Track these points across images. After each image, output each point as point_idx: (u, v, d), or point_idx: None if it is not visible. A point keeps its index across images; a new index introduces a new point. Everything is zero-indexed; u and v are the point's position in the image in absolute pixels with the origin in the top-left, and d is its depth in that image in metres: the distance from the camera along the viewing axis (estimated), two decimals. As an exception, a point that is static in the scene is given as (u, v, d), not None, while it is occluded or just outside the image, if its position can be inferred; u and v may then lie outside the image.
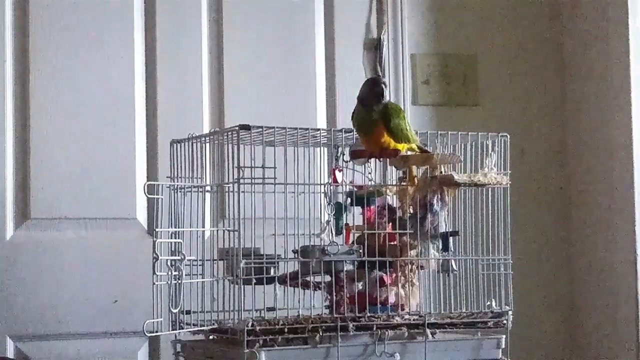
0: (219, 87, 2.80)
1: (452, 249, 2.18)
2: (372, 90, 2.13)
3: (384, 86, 2.13)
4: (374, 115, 2.10)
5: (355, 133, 2.16)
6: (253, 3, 2.84)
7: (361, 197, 2.16)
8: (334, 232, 2.14)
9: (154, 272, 2.00)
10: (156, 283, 2.01)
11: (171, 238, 2.09)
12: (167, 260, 2.01)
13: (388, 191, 2.21)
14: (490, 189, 2.24)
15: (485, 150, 2.24)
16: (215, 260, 2.14)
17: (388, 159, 2.20)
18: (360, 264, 2.12)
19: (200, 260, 2.13)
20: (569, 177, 3.10)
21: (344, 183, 2.17)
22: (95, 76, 2.68)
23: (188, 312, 2.11)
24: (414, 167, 2.18)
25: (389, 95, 2.14)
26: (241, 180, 2.00)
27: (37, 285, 2.59)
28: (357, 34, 2.93)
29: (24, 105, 2.63)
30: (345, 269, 2.10)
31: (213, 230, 2.16)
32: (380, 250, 2.13)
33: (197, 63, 2.78)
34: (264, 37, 2.84)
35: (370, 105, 2.11)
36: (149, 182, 2.13)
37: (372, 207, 2.18)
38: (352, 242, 2.16)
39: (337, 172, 2.17)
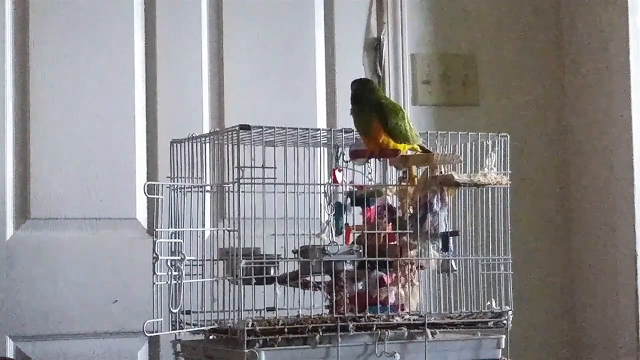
0: (219, 87, 2.80)
1: (452, 249, 2.18)
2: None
3: (352, 86, 2.15)
4: (365, 114, 2.11)
5: (355, 133, 2.16)
6: (253, 3, 2.84)
7: (361, 197, 2.16)
8: (334, 232, 2.14)
9: (154, 272, 2.00)
10: (156, 283, 2.01)
11: (171, 238, 2.09)
12: (167, 260, 2.01)
13: (388, 191, 2.21)
14: (490, 189, 2.23)
15: (485, 150, 2.24)
16: (215, 260, 2.13)
17: (388, 159, 2.20)
18: (360, 264, 2.11)
19: (200, 260, 2.13)
20: (569, 177, 3.10)
21: (344, 183, 2.18)
22: (95, 76, 2.68)
23: (188, 312, 2.11)
24: (414, 167, 2.18)
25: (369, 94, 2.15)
26: (241, 180, 2.00)
27: (37, 285, 2.59)
28: (357, 34, 2.93)
29: (24, 105, 2.63)
30: (345, 269, 2.10)
31: (213, 230, 2.16)
32: (380, 250, 2.13)
33: (197, 63, 2.78)
34: (264, 37, 2.84)
35: (357, 105, 2.12)
36: (149, 182, 2.12)
37: (372, 207, 2.18)
38: (352, 242, 2.16)
39: (337, 172, 2.17)
